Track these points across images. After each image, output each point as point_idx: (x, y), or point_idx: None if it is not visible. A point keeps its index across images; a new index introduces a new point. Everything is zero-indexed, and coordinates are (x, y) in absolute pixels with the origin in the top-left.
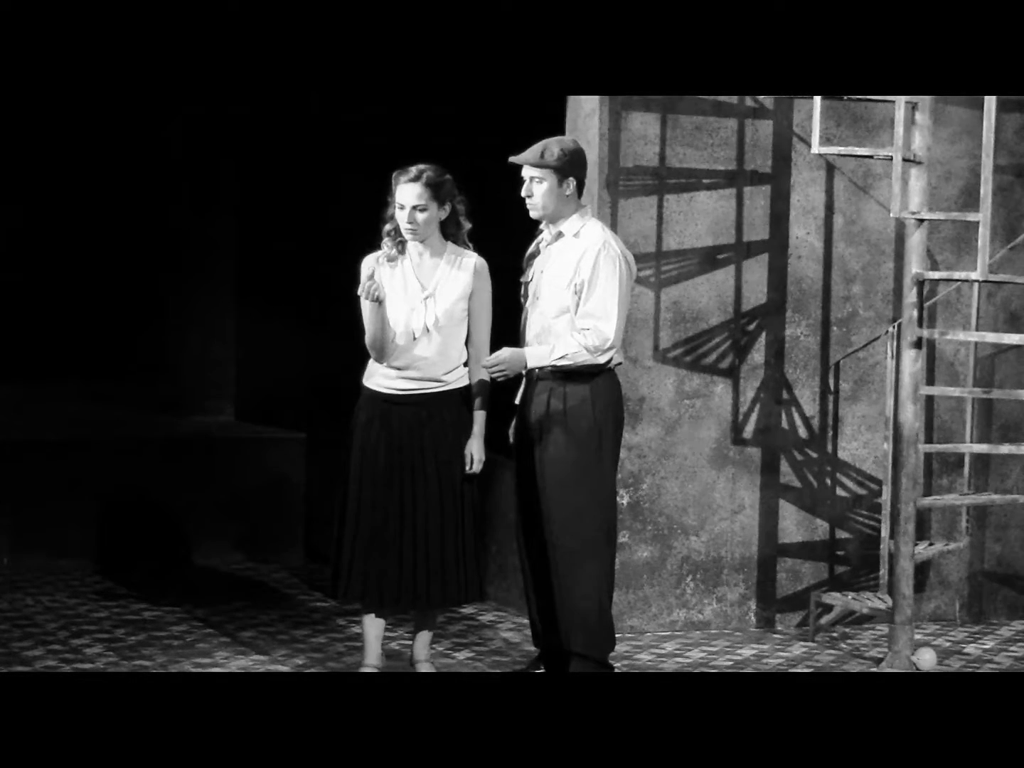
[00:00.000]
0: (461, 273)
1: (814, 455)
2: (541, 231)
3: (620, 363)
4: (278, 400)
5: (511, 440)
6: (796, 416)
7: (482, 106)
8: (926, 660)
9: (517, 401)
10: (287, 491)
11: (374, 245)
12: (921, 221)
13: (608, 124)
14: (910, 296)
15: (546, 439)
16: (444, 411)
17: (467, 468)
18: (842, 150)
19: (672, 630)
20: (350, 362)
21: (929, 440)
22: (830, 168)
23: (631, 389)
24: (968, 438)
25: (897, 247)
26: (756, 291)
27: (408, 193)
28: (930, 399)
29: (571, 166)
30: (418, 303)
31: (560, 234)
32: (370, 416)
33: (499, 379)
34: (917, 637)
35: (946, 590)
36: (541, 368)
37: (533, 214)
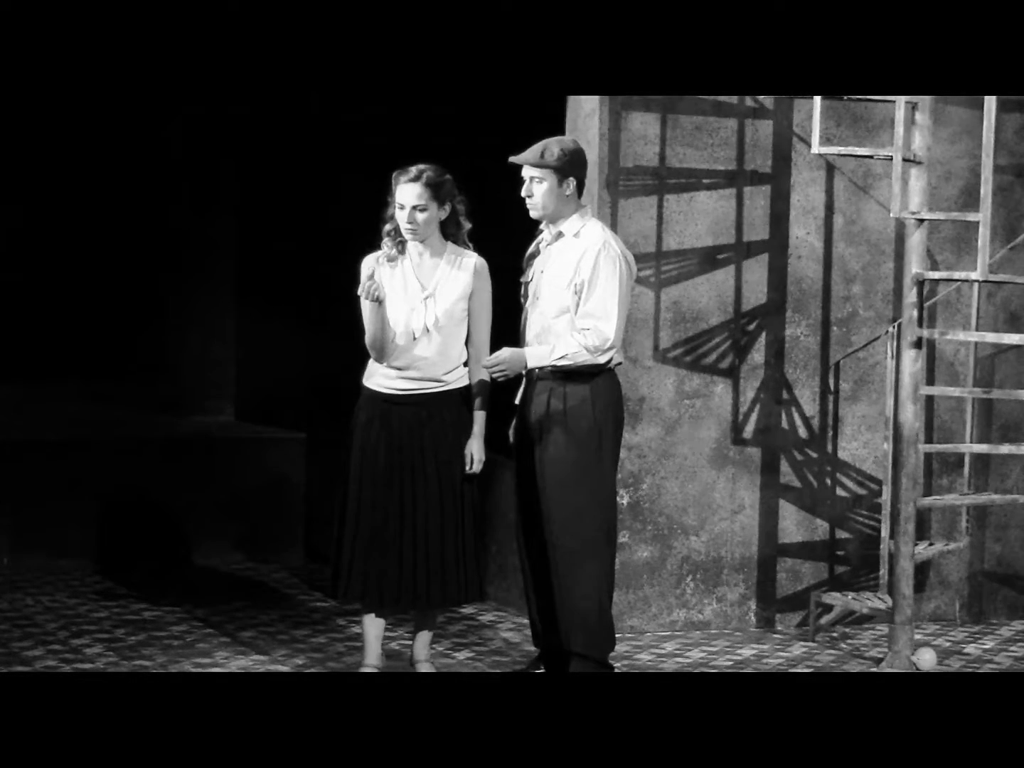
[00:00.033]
0: (461, 273)
1: (814, 455)
2: (541, 231)
3: (620, 363)
4: (278, 400)
5: (511, 440)
6: (796, 416)
7: (482, 106)
8: (926, 660)
9: (517, 401)
10: (287, 491)
11: (374, 245)
12: (921, 221)
13: (608, 124)
14: (910, 296)
15: (546, 439)
16: (444, 411)
17: (467, 468)
18: (842, 150)
19: (672, 630)
20: (350, 362)
21: (929, 440)
22: (830, 168)
23: (631, 389)
24: (968, 438)
25: (897, 247)
26: (756, 291)
27: (408, 193)
28: (930, 399)
29: (571, 166)
30: (418, 303)
31: (560, 234)
32: (370, 416)
33: (499, 379)
34: (917, 637)
35: (946, 590)
36: (541, 368)
37: (533, 214)
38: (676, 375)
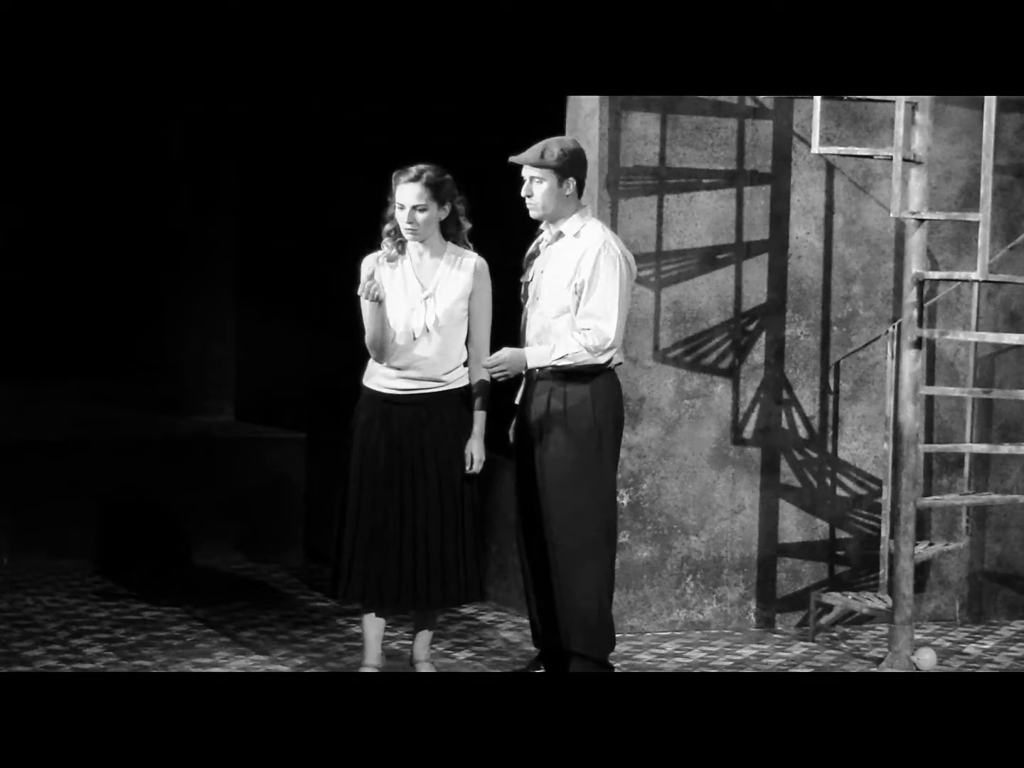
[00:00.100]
0: (461, 273)
1: (814, 455)
2: (541, 231)
3: (620, 363)
4: (278, 400)
5: (511, 440)
6: (796, 416)
7: (482, 106)
8: (926, 660)
9: (517, 401)
10: (287, 491)
11: (374, 245)
12: (921, 221)
13: (608, 124)
14: (910, 296)
15: (546, 439)
16: (444, 411)
17: (467, 468)
18: (842, 150)
19: (672, 630)
20: (350, 362)
21: (929, 440)
22: (830, 168)
23: (631, 389)
24: (968, 438)
25: (897, 247)
26: (756, 291)
27: (408, 193)
28: (930, 399)
29: (571, 166)
30: (418, 303)
31: (560, 234)
32: (370, 416)
33: (499, 379)
34: (917, 637)
35: (946, 590)
36: (541, 368)
37: (533, 214)
38: (676, 375)
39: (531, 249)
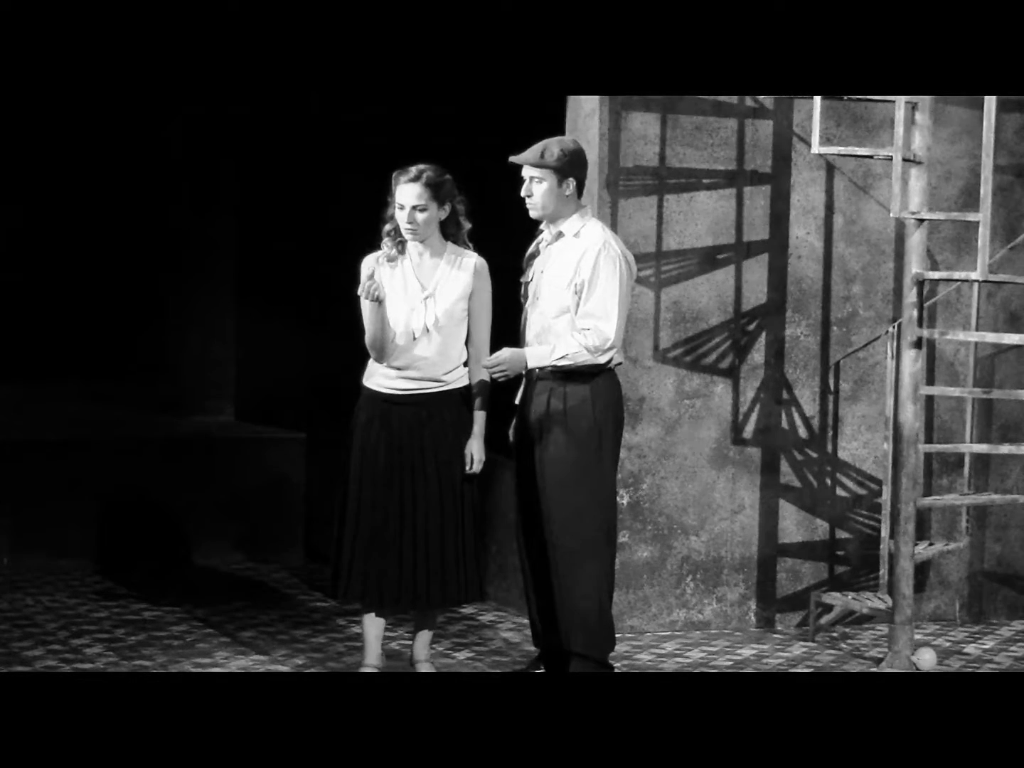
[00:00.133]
0: (461, 273)
1: (814, 455)
2: (541, 231)
3: (620, 363)
4: (278, 400)
5: (511, 440)
6: (796, 416)
7: (482, 106)
8: (926, 660)
9: (517, 401)
10: (287, 491)
11: (374, 245)
12: (921, 221)
13: (608, 124)
14: (910, 296)
15: (546, 439)
16: (444, 411)
17: (467, 468)
18: (842, 150)
19: (672, 630)
20: (350, 362)
21: (929, 440)
22: (830, 168)
23: (631, 389)
24: (968, 438)
25: (897, 247)
26: (756, 291)
27: (408, 193)
28: (930, 399)
29: (571, 166)
30: (418, 303)
31: (560, 234)
32: (370, 416)
33: (499, 379)
34: (917, 637)
35: (946, 590)
36: (541, 368)
37: (533, 214)
38: (676, 375)
39: (531, 249)
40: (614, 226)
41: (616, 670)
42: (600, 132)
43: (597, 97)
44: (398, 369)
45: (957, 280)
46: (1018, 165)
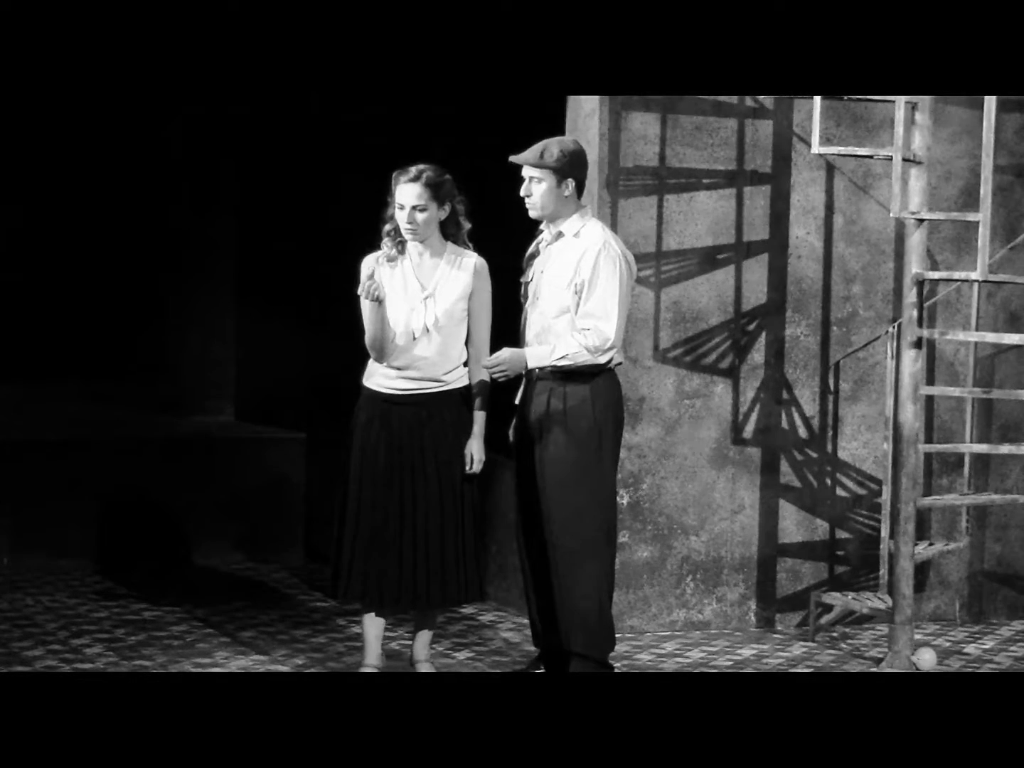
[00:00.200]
0: (461, 273)
1: (814, 455)
2: (541, 231)
3: (620, 363)
4: (278, 400)
5: (511, 440)
6: (796, 416)
7: (482, 106)
8: (926, 660)
9: (517, 401)
10: (287, 491)
11: (374, 245)
12: (921, 221)
13: (608, 124)
14: (910, 296)
15: (546, 439)
16: (444, 411)
17: (467, 468)
18: (842, 150)
19: (672, 630)
20: (350, 362)
21: (929, 440)
22: (830, 168)
23: (631, 389)
24: (968, 438)
25: (897, 247)
26: (756, 291)
27: (408, 193)
28: (930, 399)
29: (570, 167)
30: (418, 303)
31: (560, 234)
32: (370, 416)
33: (499, 379)
34: (917, 637)
35: (946, 590)
36: (541, 368)
37: (532, 214)
38: (676, 375)
39: (531, 249)
40: (614, 226)
41: (616, 670)
42: (600, 132)
43: (597, 97)
44: (398, 369)
45: (957, 280)
46: (1018, 165)
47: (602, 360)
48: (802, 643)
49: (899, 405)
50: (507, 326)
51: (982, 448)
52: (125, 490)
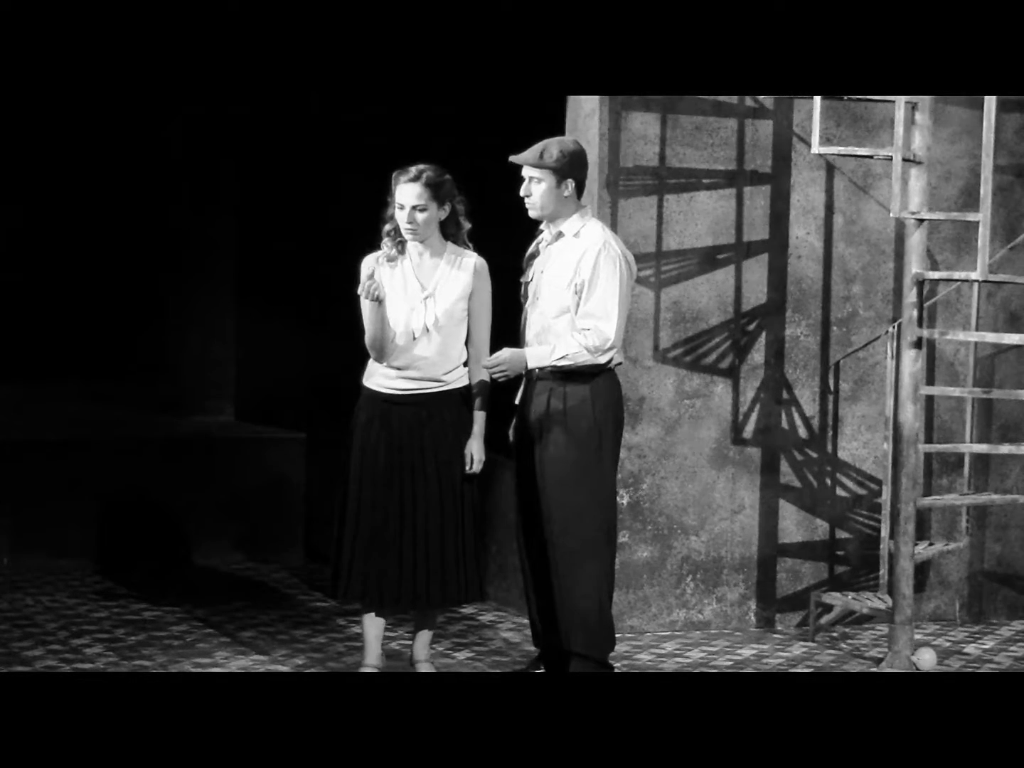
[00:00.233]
0: (461, 273)
1: (814, 455)
2: (541, 231)
3: (620, 363)
4: (278, 400)
5: (511, 440)
6: (796, 416)
7: (482, 106)
8: (926, 660)
9: (517, 401)
10: (287, 491)
11: (374, 245)
12: (921, 221)
13: (608, 124)
14: (910, 296)
15: (546, 439)
16: (444, 411)
17: (467, 468)
18: (842, 150)
19: (672, 630)
20: (350, 362)
21: (929, 440)
22: (830, 168)
23: (631, 389)
24: (968, 438)
25: (897, 247)
26: (756, 291)
27: (408, 193)
28: (930, 399)
29: (570, 167)
30: (418, 303)
31: (560, 234)
32: (370, 416)
33: (499, 379)
34: (917, 637)
35: (946, 590)
36: (541, 368)
37: (531, 214)
38: (676, 375)
39: (531, 249)
40: (614, 226)
41: (616, 670)
42: (600, 132)
43: (597, 97)
44: (398, 369)
45: (957, 280)
46: (1018, 165)
47: (602, 360)
48: (802, 643)
49: (899, 405)
50: (507, 326)
51: (982, 448)
52: (125, 490)
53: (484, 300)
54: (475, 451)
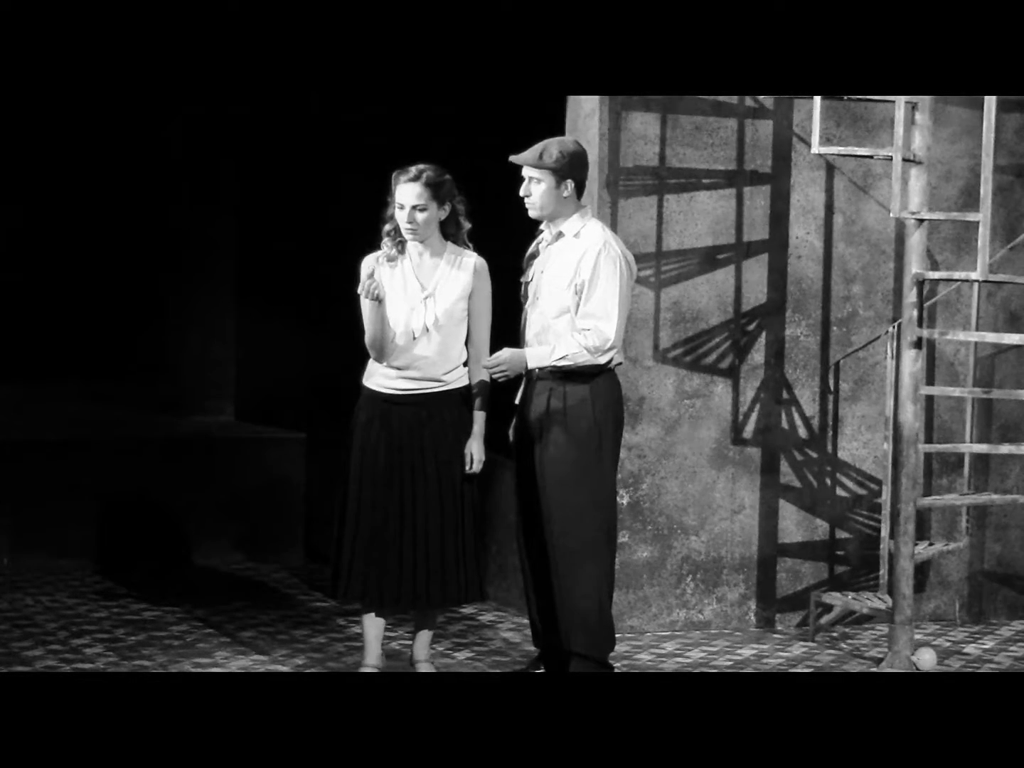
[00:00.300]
0: (461, 273)
1: (814, 455)
2: (541, 231)
3: (620, 363)
4: (278, 400)
5: (511, 440)
6: (796, 416)
7: (482, 106)
8: (926, 660)
9: (517, 401)
10: (287, 491)
11: (374, 245)
12: (921, 221)
13: (608, 124)
14: (910, 296)
15: (546, 439)
16: (444, 411)
17: (467, 468)
18: (842, 150)
19: (672, 630)
20: (350, 362)
21: (929, 440)
22: (830, 168)
23: (631, 389)
24: (968, 438)
25: (897, 247)
26: (756, 291)
27: (408, 193)
28: (930, 399)
29: (570, 168)
30: (418, 303)
31: (560, 234)
32: (370, 416)
33: (499, 379)
34: (917, 637)
35: (946, 590)
36: (541, 368)
37: (531, 214)
38: (676, 375)
39: (531, 249)
40: (614, 226)
41: (616, 670)
42: (600, 132)
43: (597, 97)
44: (398, 369)
45: (957, 280)
46: (1018, 165)
47: (602, 360)
48: (802, 643)
49: (899, 405)
50: (507, 326)
51: (982, 448)
52: (125, 490)
53: (484, 300)
54: (475, 451)
